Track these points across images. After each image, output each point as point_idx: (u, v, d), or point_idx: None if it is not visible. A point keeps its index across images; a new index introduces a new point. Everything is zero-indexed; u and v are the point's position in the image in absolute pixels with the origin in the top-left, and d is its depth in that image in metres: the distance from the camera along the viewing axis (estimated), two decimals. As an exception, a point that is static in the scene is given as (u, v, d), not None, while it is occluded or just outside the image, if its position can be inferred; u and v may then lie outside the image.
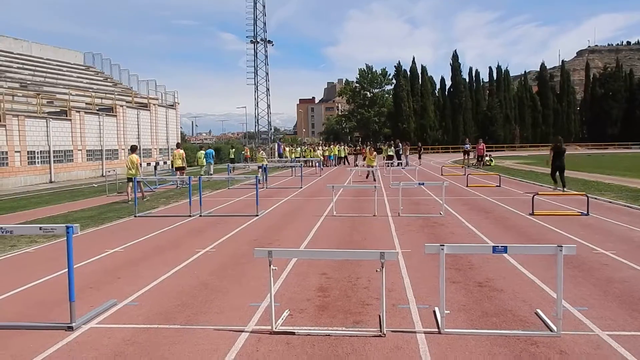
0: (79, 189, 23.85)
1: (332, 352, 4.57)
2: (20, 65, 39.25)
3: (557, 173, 17.62)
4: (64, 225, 5.19)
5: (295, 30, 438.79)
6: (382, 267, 4.89)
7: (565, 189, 17.09)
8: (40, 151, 29.89)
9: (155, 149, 43.62)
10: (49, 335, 5.10)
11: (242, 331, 5.10)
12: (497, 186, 20.02)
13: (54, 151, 30.59)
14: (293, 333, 5.01)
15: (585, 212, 12.43)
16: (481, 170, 30.30)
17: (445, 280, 6.76)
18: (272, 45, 71.05)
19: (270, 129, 73.45)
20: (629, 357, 4.38)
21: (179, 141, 46.75)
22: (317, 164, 35.71)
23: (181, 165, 23.21)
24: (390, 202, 15.36)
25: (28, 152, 28.97)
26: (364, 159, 38.34)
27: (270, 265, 5.04)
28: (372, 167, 24.78)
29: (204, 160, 29.43)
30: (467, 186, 20.05)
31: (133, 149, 18.96)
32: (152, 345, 4.83)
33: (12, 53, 40.58)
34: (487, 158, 36.20)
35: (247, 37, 67.79)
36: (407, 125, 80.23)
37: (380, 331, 4.95)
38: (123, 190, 20.25)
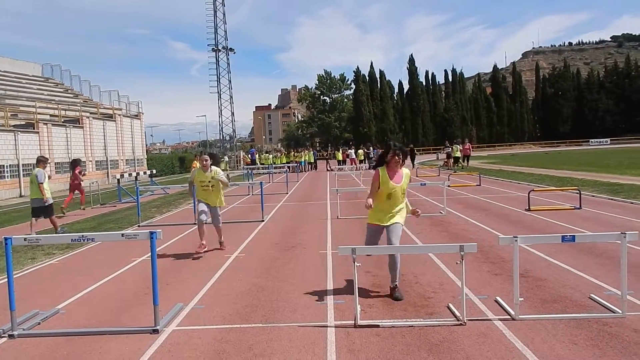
0: (56, 202, 23.33)
1: (426, 341, 4.83)
2: (-21, 78, 38.24)
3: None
4: (148, 231, 5.31)
5: (246, 37, 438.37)
6: (462, 260, 5.19)
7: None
8: (9, 165, 29.17)
9: (122, 159, 42.96)
10: (138, 339, 5.20)
11: (327, 326, 5.31)
12: (477, 185, 20.62)
13: (23, 164, 29.87)
14: (377, 326, 5.24)
15: (578, 206, 13.04)
16: (462, 171, 30.78)
17: (487, 273, 7.19)
18: (234, 53, 70.83)
19: (235, 136, 73.06)
20: (697, 331, 4.80)
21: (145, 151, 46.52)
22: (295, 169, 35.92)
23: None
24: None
25: (-3, 166, 28.28)
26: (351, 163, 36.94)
27: (354, 262, 5.28)
28: None
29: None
30: (448, 186, 20.51)
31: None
32: (248, 342, 4.98)
33: (-31, 66, 39.53)
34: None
35: (208, 45, 67.42)
36: (367, 129, 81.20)
37: (460, 320, 5.25)
38: (105, 203, 20.37)
